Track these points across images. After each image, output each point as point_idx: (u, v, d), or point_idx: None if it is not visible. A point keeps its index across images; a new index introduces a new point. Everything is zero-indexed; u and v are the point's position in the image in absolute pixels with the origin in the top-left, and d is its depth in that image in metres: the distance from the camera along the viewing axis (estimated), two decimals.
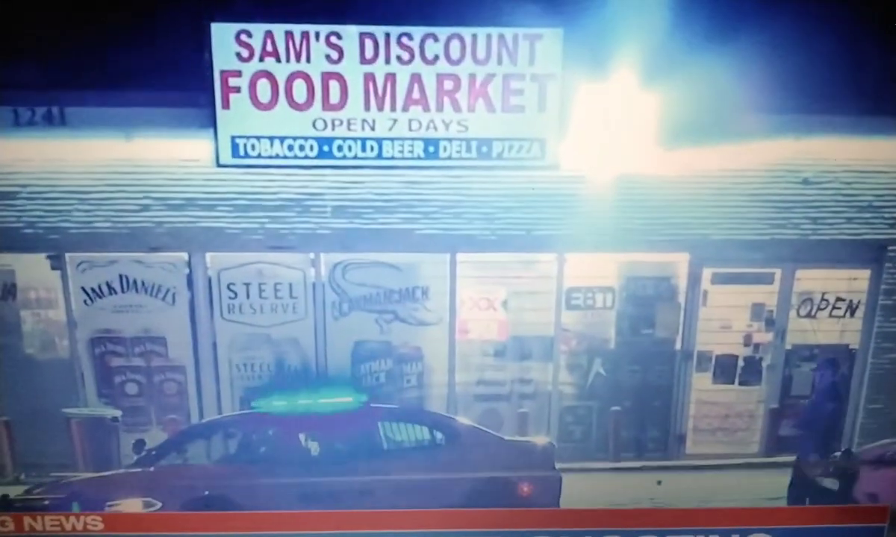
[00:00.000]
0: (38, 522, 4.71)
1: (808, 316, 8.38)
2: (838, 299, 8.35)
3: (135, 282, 8.00)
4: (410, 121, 7.49)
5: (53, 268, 7.97)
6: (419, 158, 7.57)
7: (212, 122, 7.43)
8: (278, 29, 7.28)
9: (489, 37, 7.36)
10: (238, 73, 7.35)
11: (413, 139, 7.53)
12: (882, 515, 4.92)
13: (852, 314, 8.37)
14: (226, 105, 7.42)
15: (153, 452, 7.35)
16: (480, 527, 4.93)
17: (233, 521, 4.88)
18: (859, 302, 8.33)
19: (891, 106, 7.69)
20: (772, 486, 7.88)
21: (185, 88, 7.41)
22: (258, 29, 7.27)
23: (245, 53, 7.32)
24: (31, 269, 8.02)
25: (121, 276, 7.99)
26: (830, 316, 8.39)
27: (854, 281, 8.34)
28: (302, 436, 7.43)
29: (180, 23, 7.30)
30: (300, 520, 4.89)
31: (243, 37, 7.29)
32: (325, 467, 7.21)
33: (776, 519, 4.85)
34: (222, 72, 7.34)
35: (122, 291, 8.01)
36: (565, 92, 7.51)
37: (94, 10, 7.37)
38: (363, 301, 8.15)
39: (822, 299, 8.34)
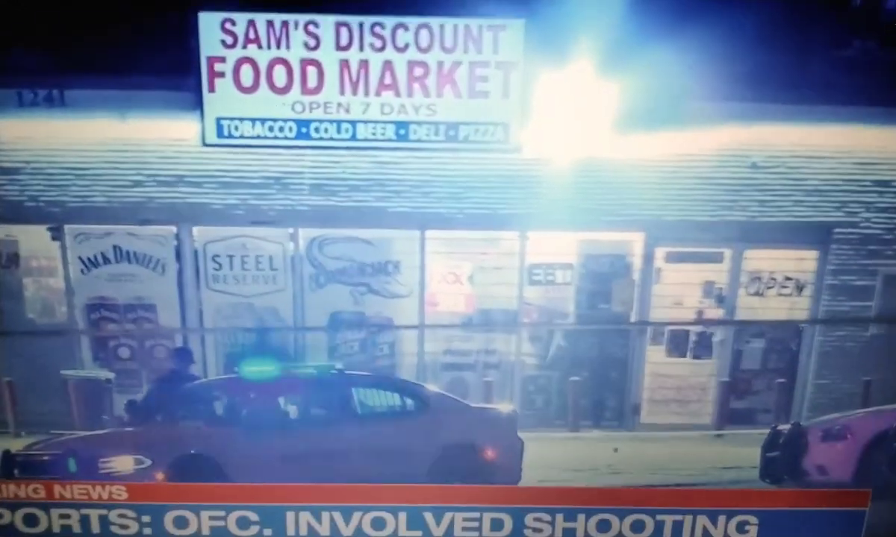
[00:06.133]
0: (66, 490, 4.66)
1: (757, 294, 8.83)
2: (786, 278, 8.79)
3: (127, 252, 8.54)
4: (383, 105, 8.02)
5: (53, 238, 8.53)
6: (391, 140, 8.08)
7: (199, 105, 7.97)
8: (260, 18, 7.83)
9: (456, 27, 7.88)
10: (223, 59, 7.91)
11: (385, 122, 8.05)
12: (863, 499, 4.67)
13: (800, 293, 8.84)
14: (212, 89, 7.98)
15: (144, 411, 7.85)
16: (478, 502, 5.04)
17: (255, 493, 4.87)
18: (807, 281, 8.80)
19: (835, 95, 8.09)
20: (724, 455, 8.30)
21: (175, 73, 7.93)
22: (242, 18, 7.83)
23: (229, 41, 7.88)
24: (34, 240, 8.58)
25: (115, 247, 8.53)
26: (779, 294, 8.84)
27: (802, 261, 8.78)
28: (281, 400, 7.71)
29: (171, 12, 7.87)
30: (327, 493, 4.88)
31: (228, 25, 7.85)
32: (303, 429, 7.50)
33: (758, 501, 4.70)
34: (208, 58, 7.90)
35: (116, 261, 8.55)
36: (527, 79, 8.00)
37: (93, 1, 7.99)
38: (339, 274, 8.64)
39: (771, 278, 8.79)
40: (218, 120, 8.05)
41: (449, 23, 7.87)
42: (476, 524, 4.71)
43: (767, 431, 7.90)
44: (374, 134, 8.08)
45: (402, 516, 4.73)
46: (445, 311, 8.86)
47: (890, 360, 8.55)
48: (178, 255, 8.55)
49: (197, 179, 8.32)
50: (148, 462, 7.14)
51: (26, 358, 8.44)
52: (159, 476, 7.05)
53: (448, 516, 4.72)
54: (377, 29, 7.87)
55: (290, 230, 8.52)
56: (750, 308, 8.87)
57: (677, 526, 4.71)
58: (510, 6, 7.86)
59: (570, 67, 7.90)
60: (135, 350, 8.76)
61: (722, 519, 4.67)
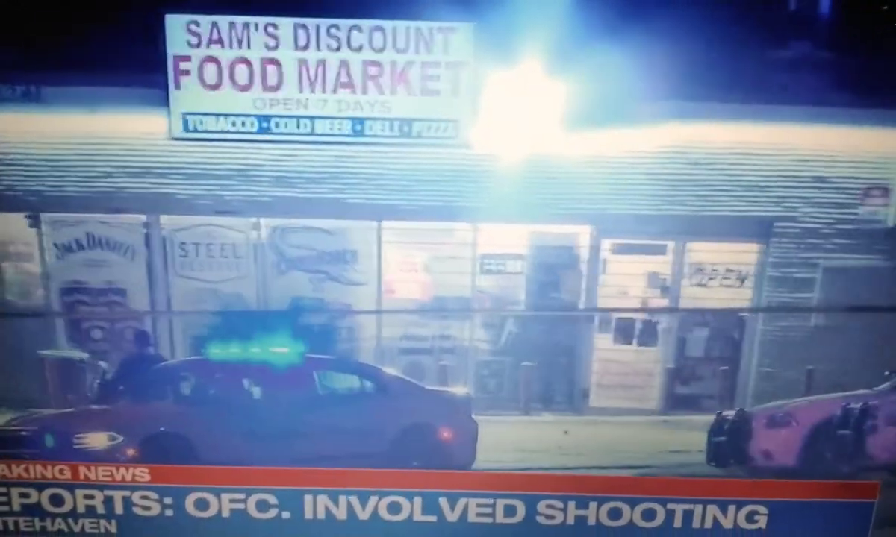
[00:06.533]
0: (91, 472, 4.91)
1: (700, 284, 9.20)
2: (728, 270, 9.15)
3: (100, 239, 8.97)
4: (339, 102, 8.39)
5: (31, 226, 8.96)
6: (347, 135, 8.45)
7: (166, 101, 8.38)
8: (223, 20, 8.19)
9: (408, 29, 8.22)
10: (188, 58, 8.29)
11: (342, 118, 8.42)
12: (872, 491, 4.85)
13: (742, 284, 9.20)
14: (178, 86, 8.38)
15: (114, 390, 8.27)
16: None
17: (274, 476, 5.03)
18: (748, 273, 9.16)
19: (773, 94, 8.40)
20: (671, 439, 8.69)
21: (143, 71, 8.34)
22: (205, 19, 8.19)
23: (194, 41, 8.27)
24: (12, 227, 9.00)
25: (87, 234, 8.97)
26: (721, 285, 9.20)
27: (743, 253, 9.12)
28: (245, 382, 8.02)
29: (139, 14, 8.25)
30: (344, 477, 5.02)
31: (192, 26, 8.23)
32: (266, 409, 7.82)
33: (767, 491, 4.83)
34: (175, 56, 8.29)
35: (89, 248, 8.99)
36: (477, 78, 8.35)
37: (67, 4, 8.42)
38: (299, 261, 9.06)
39: (713, 269, 9.16)
40: (184, 115, 8.45)
41: (401, 25, 8.22)
42: (489, 510, 4.93)
43: (712, 417, 8.22)
44: (331, 129, 8.44)
45: (418, 501, 4.93)
46: (402, 298, 9.26)
47: (832, 350, 8.88)
48: (147, 243, 8.99)
49: (165, 171, 8.73)
50: (120, 438, 7.46)
51: (5, 338, 8.83)
52: (131, 451, 7.36)
53: (462, 502, 4.88)
54: (333, 30, 8.24)
55: (253, 220, 8.94)
56: (693, 298, 9.22)
57: (688, 515, 4.87)
58: (460, 10, 8.20)
59: (518, 67, 8.16)
60: (106, 331, 9.20)
61: (732, 508, 4.85)
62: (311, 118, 8.43)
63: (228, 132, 8.47)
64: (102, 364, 8.87)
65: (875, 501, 4.81)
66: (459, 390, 8.51)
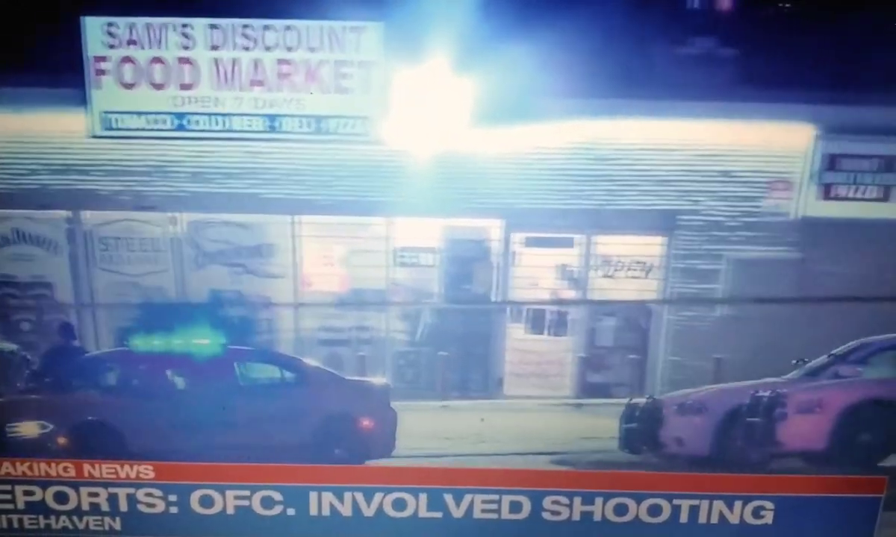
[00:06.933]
0: (95, 469, 4.91)
1: (608, 276, 9.47)
2: (635, 262, 9.42)
3: (25, 235, 9.24)
4: (254, 99, 8.61)
5: None
6: (262, 131, 8.68)
7: (85, 100, 8.62)
8: (139, 21, 8.43)
9: (320, 28, 8.48)
10: (106, 59, 8.54)
11: (256, 115, 8.65)
12: (879, 486, 4.83)
13: (648, 275, 9.47)
14: (97, 85, 8.63)
15: (42, 381, 8.49)
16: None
17: (279, 473, 5.00)
18: (654, 264, 9.42)
19: (676, 91, 8.61)
20: (584, 426, 8.92)
21: (64, 71, 8.56)
22: (122, 21, 8.41)
23: (112, 42, 8.50)
24: None
25: (14, 230, 9.22)
26: (628, 276, 9.47)
27: (649, 246, 9.38)
28: (169, 372, 8.23)
29: (59, 17, 8.52)
30: (349, 474, 5.04)
31: (110, 27, 8.47)
32: (189, 400, 8.01)
33: (774, 487, 4.83)
34: (93, 57, 8.56)
35: (15, 243, 9.26)
36: (387, 76, 8.61)
37: None
38: (217, 255, 9.30)
39: (620, 261, 9.43)
40: (103, 114, 8.68)
41: (314, 25, 8.47)
42: (495, 506, 4.91)
43: (624, 404, 8.52)
44: (246, 126, 8.66)
45: (423, 497, 4.89)
46: (319, 291, 9.51)
47: (738, 339, 9.14)
48: (70, 238, 9.26)
49: (86, 168, 9.01)
50: (51, 427, 7.74)
51: None
52: (61, 440, 7.63)
53: (468, 498, 4.87)
54: (246, 30, 8.50)
55: (171, 215, 9.20)
56: (602, 289, 9.50)
57: (694, 511, 4.87)
58: (370, 9, 8.44)
59: (427, 65, 8.44)
60: (34, 323, 9.46)
61: (738, 504, 4.86)
62: (226, 115, 8.66)
63: (146, 130, 8.70)
64: (29, 356, 9.15)
65: (882, 496, 4.84)
66: (378, 380, 8.68)
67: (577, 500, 4.83)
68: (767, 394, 7.90)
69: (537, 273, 9.52)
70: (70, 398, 8.22)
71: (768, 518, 4.82)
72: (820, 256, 9.07)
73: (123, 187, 9.09)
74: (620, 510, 4.82)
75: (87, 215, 9.26)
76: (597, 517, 4.84)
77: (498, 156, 8.98)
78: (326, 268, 9.48)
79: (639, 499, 4.81)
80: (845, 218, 9.03)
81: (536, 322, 9.60)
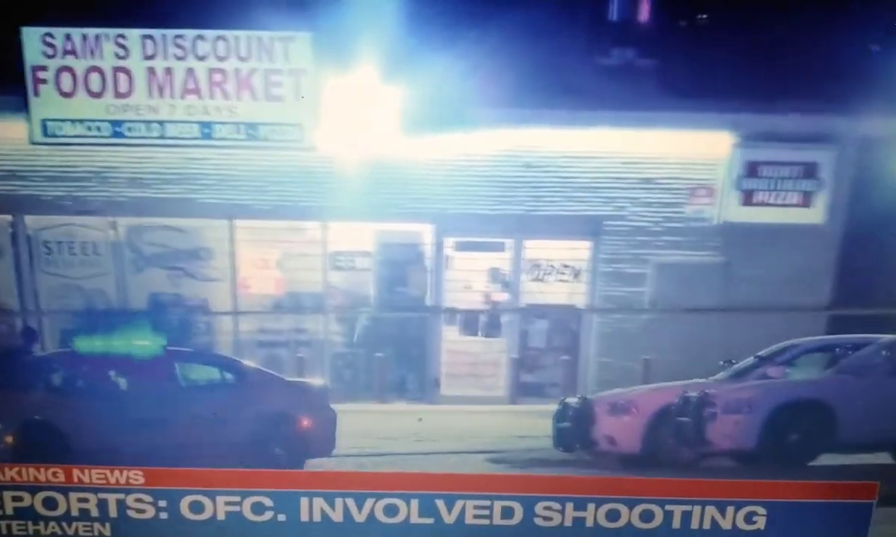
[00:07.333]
0: (85, 474, 4.82)
1: (538, 279, 9.69)
2: (564, 265, 9.64)
3: None
4: (187, 107, 8.87)
5: None
6: (196, 138, 8.93)
7: (26, 108, 8.89)
8: (76, 32, 8.70)
9: (250, 38, 8.73)
10: (45, 68, 8.80)
11: (190, 122, 8.90)
12: (871, 492, 4.73)
13: (577, 279, 9.69)
14: (36, 93, 8.86)
15: None
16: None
17: (270, 479, 4.95)
18: (582, 268, 9.64)
19: (599, 101, 8.78)
20: (518, 425, 9.08)
21: (5, 80, 8.81)
22: (59, 32, 8.70)
23: (50, 52, 8.76)
24: None
25: None
26: (557, 280, 9.69)
27: (576, 250, 9.60)
28: (112, 373, 8.24)
29: None
30: (340, 480, 4.95)
31: (48, 38, 8.74)
32: (132, 400, 8.02)
33: (766, 492, 4.75)
34: (32, 66, 8.80)
35: None
36: (317, 84, 8.84)
37: None
38: (156, 258, 9.54)
39: (549, 265, 9.64)
40: (43, 121, 8.96)
41: (243, 35, 8.72)
42: (487, 512, 4.80)
43: (557, 403, 8.66)
44: (180, 133, 8.94)
45: (414, 503, 4.81)
46: (257, 294, 9.74)
47: (666, 340, 9.36)
48: (14, 241, 9.50)
49: (28, 174, 9.28)
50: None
51: None
52: (9, 439, 7.75)
53: (459, 504, 4.80)
54: (179, 40, 8.75)
55: (111, 219, 9.44)
56: (532, 292, 9.72)
57: (686, 516, 4.78)
58: (298, 20, 8.69)
59: (356, 74, 8.70)
60: None
61: (730, 510, 4.75)
62: (161, 122, 8.93)
63: (84, 137, 8.99)
64: None
65: (874, 502, 4.75)
66: (316, 381, 8.84)
67: (570, 506, 4.81)
68: (696, 394, 8.00)
69: (470, 276, 9.73)
70: (18, 397, 8.24)
71: (760, 523, 4.80)
72: (743, 260, 9.27)
73: (64, 193, 9.35)
74: (613, 516, 4.80)
75: (30, 220, 9.50)
76: (589, 522, 4.82)
77: (427, 162, 9.23)
78: (264, 272, 9.70)
79: (631, 505, 4.79)
80: (766, 223, 9.24)
81: (470, 324, 9.81)
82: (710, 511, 4.77)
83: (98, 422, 7.76)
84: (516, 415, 9.68)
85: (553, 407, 8.63)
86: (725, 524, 4.78)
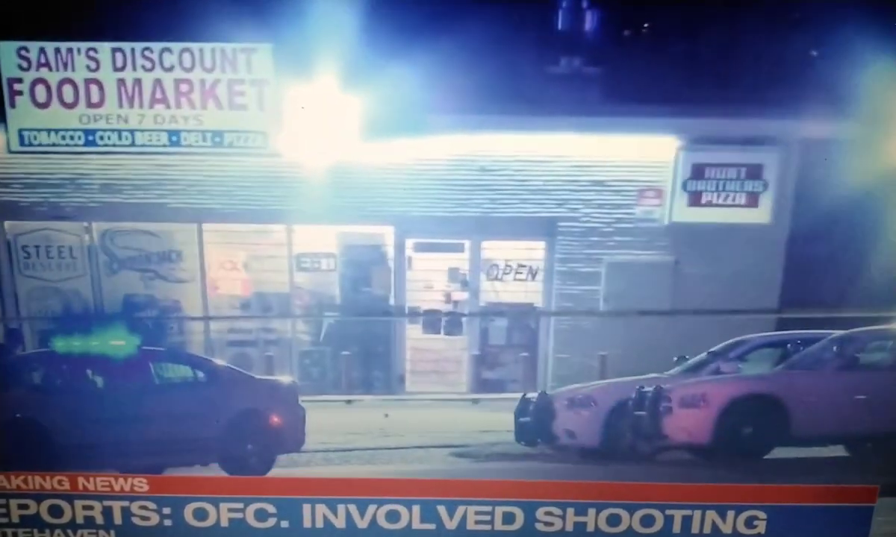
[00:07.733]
0: (90, 482, 4.89)
1: (496, 279, 10.03)
2: (520, 265, 9.97)
3: None
4: (156, 116, 9.23)
5: None
6: (165, 145, 9.26)
7: (3, 118, 9.27)
8: (49, 46, 9.07)
9: (213, 50, 9.07)
10: (20, 80, 9.19)
11: (159, 130, 9.25)
12: (872, 495, 4.72)
13: (533, 278, 10.01)
14: (13, 104, 9.23)
15: None
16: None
17: (273, 485, 5.02)
18: (539, 268, 9.97)
19: (549, 106, 9.14)
20: (481, 420, 9.38)
21: None
22: (34, 46, 9.07)
23: (25, 64, 9.13)
24: None
25: None
26: (515, 279, 10.02)
27: (532, 251, 9.93)
28: (89, 372, 8.55)
29: None
30: (342, 486, 4.99)
31: (22, 52, 9.10)
32: (109, 398, 8.31)
33: (766, 496, 4.75)
34: (8, 79, 9.18)
35: None
36: (279, 93, 9.18)
37: None
38: (129, 261, 9.94)
39: (507, 265, 9.98)
40: (20, 131, 9.32)
41: (207, 47, 9.07)
42: (488, 517, 4.83)
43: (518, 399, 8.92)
44: (150, 140, 9.28)
45: (416, 509, 4.84)
46: (226, 294, 10.15)
47: (621, 337, 9.63)
48: None
49: (6, 181, 9.71)
50: None
51: None
52: None
53: (461, 509, 4.83)
54: (146, 53, 9.12)
55: (85, 224, 9.86)
56: (491, 291, 10.07)
57: (686, 521, 4.79)
58: (259, 32, 9.02)
59: (316, 83, 9.04)
60: None
61: (731, 514, 4.76)
62: (132, 131, 9.25)
63: (59, 145, 9.32)
64: None
65: (874, 506, 4.75)
66: (285, 378, 9.08)
67: (570, 511, 4.85)
68: (652, 388, 8.22)
69: (431, 276, 10.08)
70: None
71: (761, 528, 4.82)
72: (691, 259, 9.55)
73: (41, 199, 9.76)
74: (613, 520, 4.84)
75: (9, 225, 9.92)
76: (590, 527, 4.86)
77: (387, 166, 9.56)
78: (231, 273, 10.08)
79: (631, 510, 4.82)
80: (715, 223, 9.51)
81: (432, 322, 10.14)
82: (711, 515, 4.81)
83: (78, 419, 8.09)
84: (478, 410, 9.98)
85: (513, 401, 8.82)
86: (726, 528, 4.82)
